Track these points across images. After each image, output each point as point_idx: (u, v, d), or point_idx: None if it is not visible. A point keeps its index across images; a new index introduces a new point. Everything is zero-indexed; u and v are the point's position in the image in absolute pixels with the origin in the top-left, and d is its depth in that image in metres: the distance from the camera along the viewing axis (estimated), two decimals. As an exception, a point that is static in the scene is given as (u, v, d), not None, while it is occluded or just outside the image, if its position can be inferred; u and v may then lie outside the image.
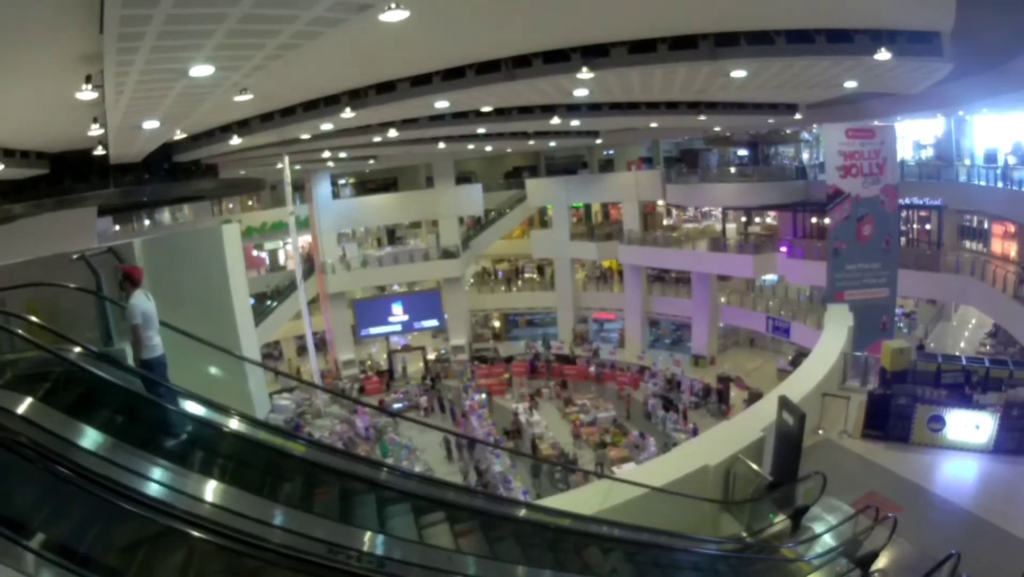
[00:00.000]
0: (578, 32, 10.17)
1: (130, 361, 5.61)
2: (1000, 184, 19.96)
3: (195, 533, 3.64)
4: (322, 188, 33.36)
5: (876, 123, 18.58)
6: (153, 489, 3.91)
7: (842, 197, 17.35)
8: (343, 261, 33.61)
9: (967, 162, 23.35)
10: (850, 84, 14.09)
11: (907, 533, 6.59)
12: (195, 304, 10.48)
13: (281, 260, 36.37)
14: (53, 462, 3.44)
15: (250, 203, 36.13)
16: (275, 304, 30.78)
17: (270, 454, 5.48)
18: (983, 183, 21.18)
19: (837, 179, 17.36)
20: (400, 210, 36.50)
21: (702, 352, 30.81)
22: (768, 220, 31.77)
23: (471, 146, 26.67)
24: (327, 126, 15.87)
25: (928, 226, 25.31)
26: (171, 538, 3.64)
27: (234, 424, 5.50)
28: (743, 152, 34.87)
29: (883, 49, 10.00)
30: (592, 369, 31.25)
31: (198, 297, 11.12)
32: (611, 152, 39.89)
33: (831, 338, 13.71)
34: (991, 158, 22.09)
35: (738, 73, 12.06)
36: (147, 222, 29.90)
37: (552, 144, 28.78)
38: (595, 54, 10.62)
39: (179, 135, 15.05)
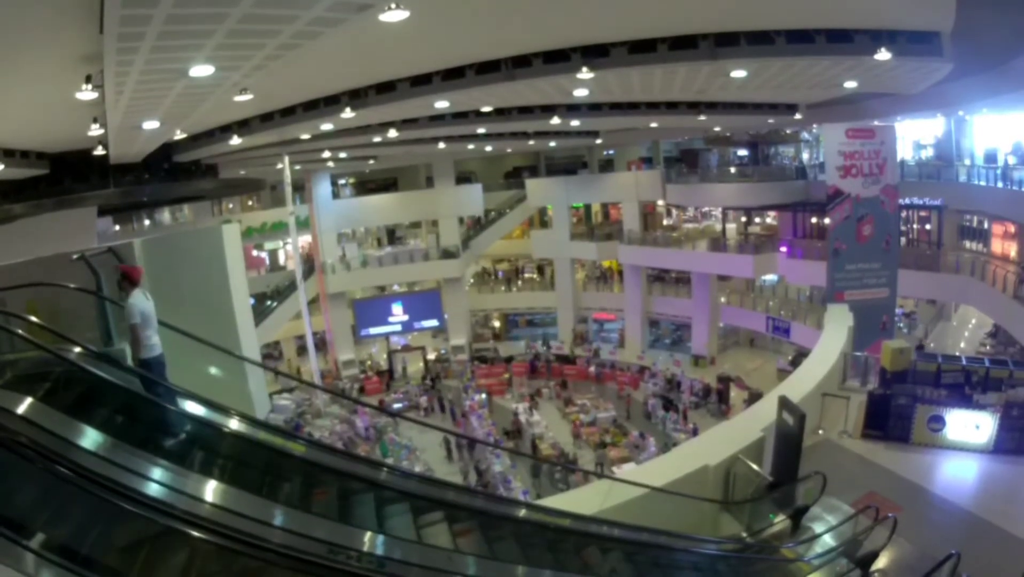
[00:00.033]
0: (578, 32, 10.17)
1: (129, 361, 5.61)
2: (1000, 184, 19.96)
3: (195, 533, 3.63)
4: (322, 188, 33.36)
5: (876, 123, 18.58)
6: (152, 489, 3.91)
7: (842, 197, 17.35)
8: (343, 261, 33.61)
9: (967, 162, 23.35)
10: (850, 84, 14.09)
11: (907, 533, 6.59)
12: (195, 304, 10.47)
13: (281, 260, 36.37)
14: (53, 462, 3.44)
15: (250, 203, 36.13)
16: (275, 304, 30.78)
17: (270, 454, 5.48)
18: (983, 183, 21.18)
19: (837, 179, 17.37)
20: (400, 210, 36.50)
21: (702, 352, 30.81)
22: (768, 220, 31.77)
23: (471, 146, 26.67)
24: (327, 126, 15.87)
25: (928, 226, 25.31)
26: (171, 538, 3.64)
27: (233, 424, 5.49)
28: (743, 152, 34.88)
29: (883, 49, 10.00)
30: (592, 369, 31.25)
31: (198, 297, 11.12)
32: (611, 152, 39.89)
33: (831, 338, 13.71)
34: (991, 158, 22.09)
35: (738, 73, 12.06)
36: (147, 222, 29.89)
37: (552, 144, 28.78)
38: (595, 54, 10.62)
39: (179, 135, 15.05)
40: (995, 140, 22.42)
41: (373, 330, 33.68)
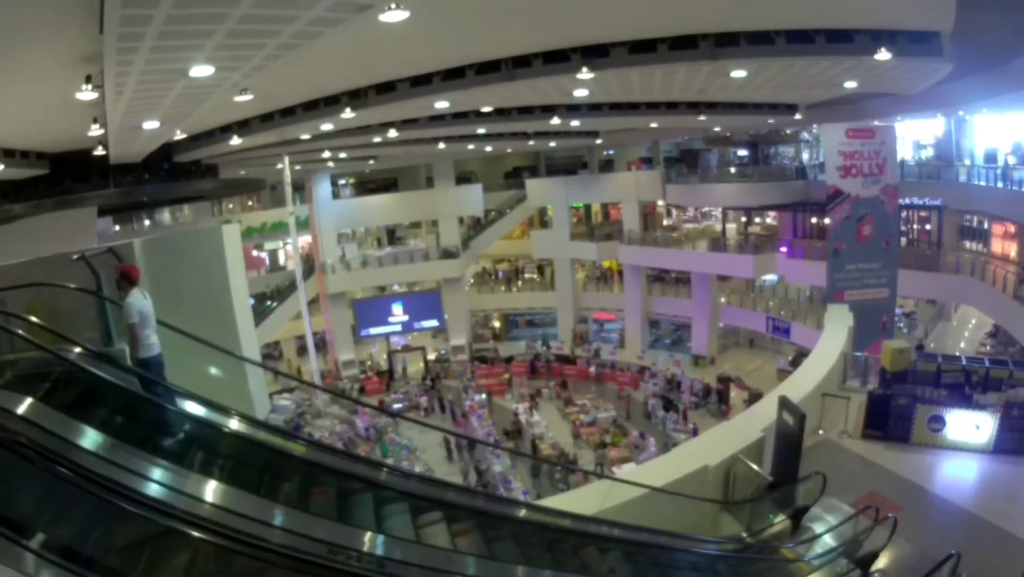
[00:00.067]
0: (578, 32, 10.17)
1: (128, 361, 5.61)
2: (1000, 184, 19.96)
3: (194, 533, 3.63)
4: (322, 188, 33.36)
5: (876, 123, 18.59)
6: (151, 489, 3.91)
7: (842, 197, 17.35)
8: (343, 261, 33.60)
9: (967, 162, 23.36)
10: (850, 84, 14.09)
11: (907, 533, 6.60)
12: (195, 304, 10.45)
13: (281, 260, 36.37)
14: (53, 462, 3.44)
15: (250, 203, 36.14)
16: (275, 304, 30.77)
17: (269, 454, 5.48)
18: (983, 183, 21.18)
19: (837, 179, 17.37)
20: (400, 210, 36.50)
21: (702, 352, 30.81)
22: (768, 220, 31.77)
23: (471, 146, 26.66)
24: (327, 126, 15.87)
25: (928, 226, 25.32)
26: (171, 539, 3.64)
27: (231, 423, 5.49)
28: (743, 152, 34.88)
29: (883, 49, 9.99)
30: (592, 369, 31.26)
31: (198, 297, 11.10)
32: (611, 152, 39.89)
33: (831, 338, 13.71)
34: (991, 158, 22.09)
35: (738, 73, 12.06)
36: (147, 222, 29.90)
37: (552, 144, 28.78)
38: (595, 54, 10.62)
39: (179, 135, 15.05)
40: (995, 140, 22.42)
41: (373, 330, 33.68)
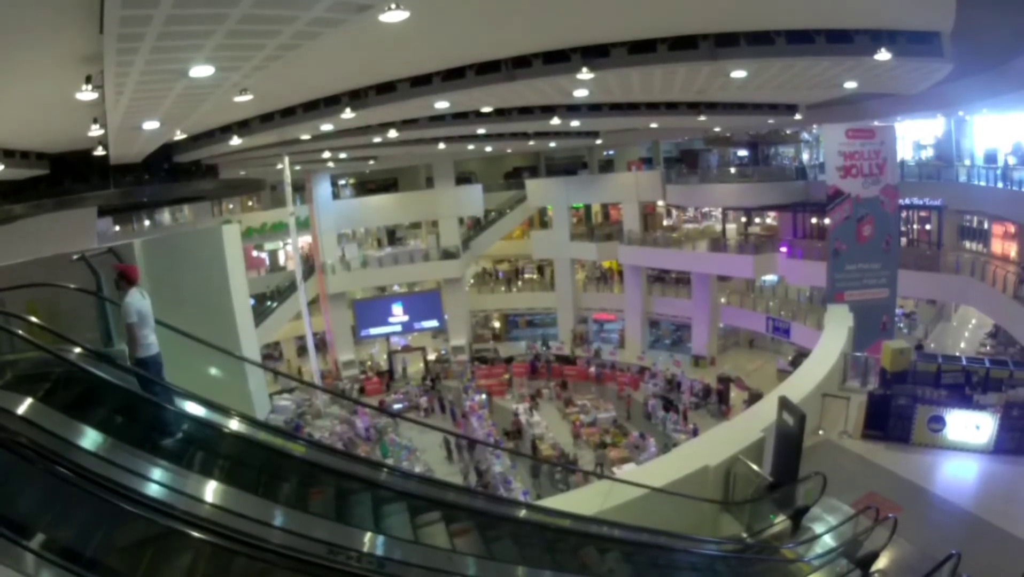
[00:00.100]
0: (578, 32, 10.17)
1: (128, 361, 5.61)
2: (1000, 184, 19.96)
3: (194, 534, 3.63)
4: (322, 188, 33.37)
5: (876, 123, 18.59)
6: (151, 489, 3.91)
7: (842, 197, 17.36)
8: (343, 262, 33.60)
9: (967, 162, 23.36)
10: (850, 84, 14.09)
11: (907, 533, 6.59)
12: (195, 305, 10.45)
13: (281, 261, 36.36)
14: (52, 463, 3.44)
15: (250, 203, 36.13)
16: (275, 305, 30.78)
17: (268, 454, 5.47)
18: (983, 183, 21.18)
19: (837, 179, 17.37)
20: (400, 210, 36.50)
21: (702, 353, 30.81)
22: (768, 220, 31.76)
23: (471, 146, 26.67)
24: (327, 127, 15.87)
25: (928, 226, 25.32)
26: (170, 540, 3.64)
27: (229, 422, 5.48)
28: (743, 152, 34.88)
29: (883, 49, 9.99)
30: (592, 370, 31.26)
31: (198, 298, 11.09)
32: (611, 152, 39.89)
33: (831, 338, 13.71)
34: (991, 158, 22.10)
35: (738, 73, 12.06)
36: (147, 223, 29.94)
37: (552, 144, 28.77)
38: (595, 54, 10.62)
39: (179, 136, 15.05)
40: (995, 140, 22.43)
41: (373, 330, 33.68)
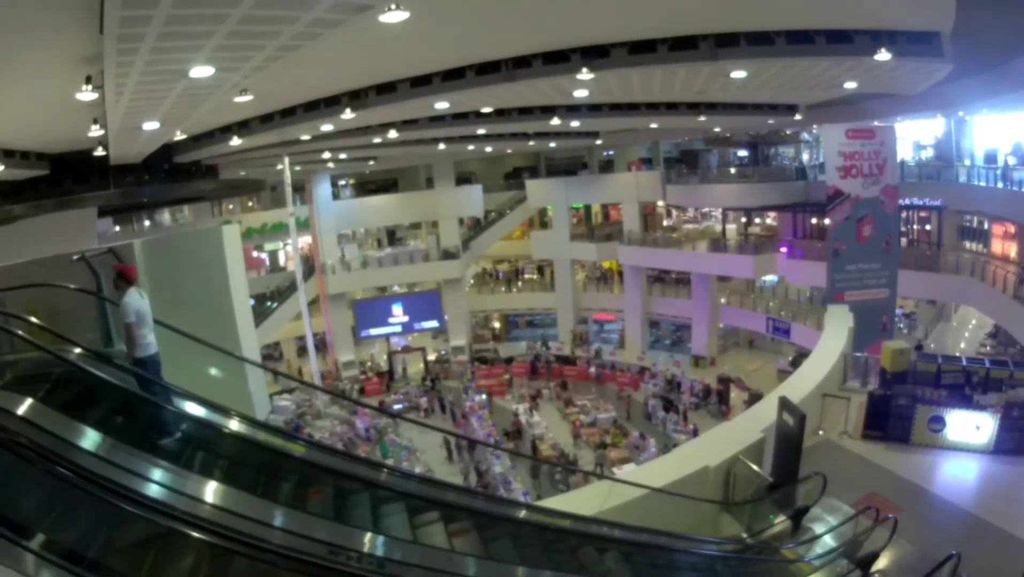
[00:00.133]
0: (578, 33, 10.17)
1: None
2: (1000, 184, 19.97)
3: (194, 534, 3.63)
4: (322, 189, 33.36)
5: (876, 124, 18.59)
6: (150, 489, 3.91)
7: (842, 198, 17.36)
8: (343, 262, 33.61)
9: (967, 163, 23.36)
10: (850, 85, 14.09)
11: (907, 534, 6.59)
12: (195, 305, 10.43)
13: (281, 261, 36.37)
14: (52, 463, 3.44)
15: (250, 204, 36.15)
16: (275, 305, 30.77)
17: (266, 453, 5.47)
18: (983, 183, 21.19)
19: (837, 180, 17.37)
20: (400, 211, 36.51)
21: (702, 353, 30.80)
22: (768, 221, 31.76)
23: (471, 147, 26.68)
24: (327, 127, 15.87)
25: (928, 227, 25.33)
26: (170, 540, 3.64)
27: (226, 421, 5.48)
28: (743, 153, 34.89)
29: (883, 50, 10.00)
30: (592, 370, 31.26)
31: (198, 298, 11.08)
32: (611, 153, 39.89)
33: (831, 339, 13.70)
34: (991, 158, 22.10)
35: (738, 74, 12.06)
36: (147, 223, 29.98)
37: (552, 145, 28.79)
38: (595, 55, 10.62)
39: (179, 136, 15.05)
40: (995, 140, 22.43)
41: (373, 331, 33.68)
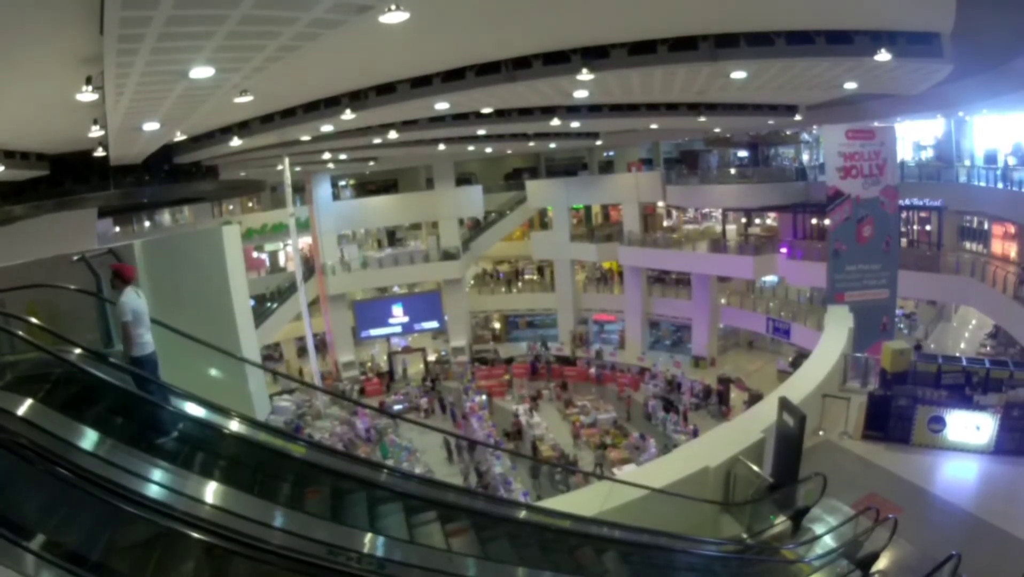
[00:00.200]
0: (578, 33, 10.17)
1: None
2: (1000, 185, 19.98)
3: (194, 535, 3.63)
4: (322, 190, 33.37)
5: (876, 124, 18.59)
6: (147, 489, 3.90)
7: (842, 198, 17.35)
8: (343, 263, 33.61)
9: (967, 163, 23.37)
10: (850, 85, 14.09)
11: (908, 534, 6.59)
12: (195, 306, 10.45)
13: (281, 262, 36.37)
14: (52, 463, 3.44)
15: (250, 204, 36.16)
16: (275, 306, 30.78)
17: (264, 452, 5.47)
18: (983, 184, 21.19)
19: (837, 180, 17.36)
20: (400, 212, 36.52)
21: (702, 353, 30.81)
22: (768, 221, 31.76)
23: (471, 147, 26.68)
24: (327, 128, 15.87)
25: (928, 227, 25.32)
26: (169, 541, 3.64)
27: (223, 420, 5.48)
28: (743, 153, 34.91)
29: (883, 50, 10.00)
30: (592, 371, 31.26)
31: (198, 299, 11.09)
32: (611, 153, 39.90)
33: (831, 339, 13.70)
34: (991, 159, 22.11)
35: (738, 74, 12.06)
36: (147, 224, 30.02)
37: (552, 145, 28.79)
38: (595, 55, 10.62)
39: (179, 137, 15.05)
40: (995, 141, 22.43)
41: (373, 331, 33.69)
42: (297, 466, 5.52)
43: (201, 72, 7.75)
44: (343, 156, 25.79)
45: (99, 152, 14.11)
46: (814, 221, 26.44)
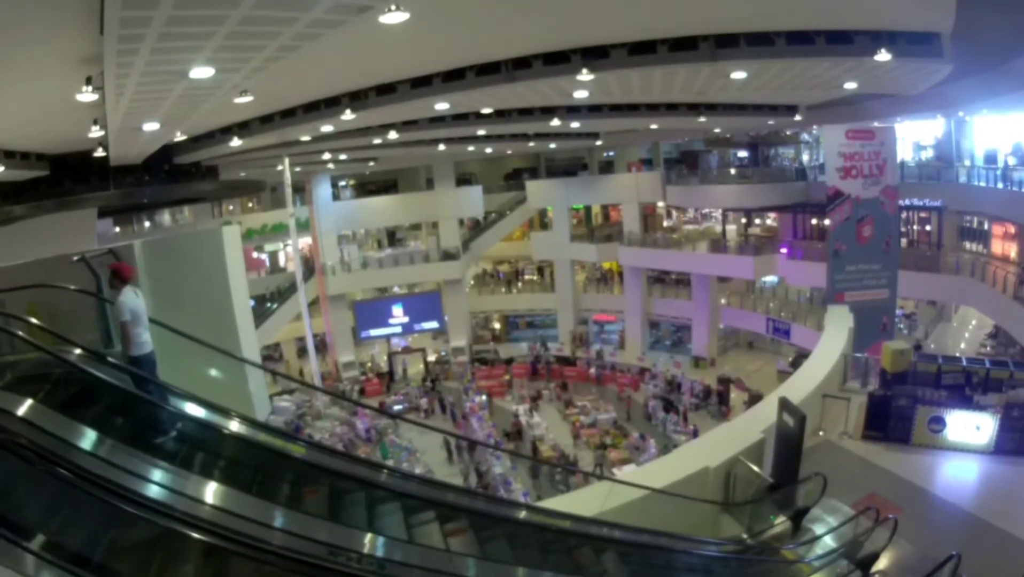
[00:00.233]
0: (578, 33, 10.17)
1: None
2: (1000, 185, 19.98)
3: (194, 535, 3.63)
4: (322, 190, 33.37)
5: (876, 124, 18.59)
6: (146, 489, 3.90)
7: (842, 198, 17.34)
8: (343, 263, 33.61)
9: (967, 163, 23.37)
10: (850, 85, 14.10)
11: (908, 534, 6.58)
12: (195, 306, 10.46)
13: (281, 262, 36.38)
14: (52, 463, 3.44)
15: (250, 205, 36.15)
16: (275, 306, 30.78)
17: (262, 451, 5.47)
18: (983, 184, 21.19)
19: (837, 180, 17.36)
20: (400, 212, 36.52)
21: (702, 354, 30.80)
22: (768, 221, 31.76)
23: (471, 148, 26.68)
24: (327, 128, 15.88)
25: (928, 227, 25.32)
26: (170, 541, 3.63)
27: (221, 419, 5.47)
28: (743, 153, 34.90)
29: (883, 50, 10.00)
30: (592, 371, 31.26)
31: (198, 299, 11.10)
32: (611, 154, 39.90)
33: (831, 339, 13.70)
34: (991, 159, 22.11)
35: (738, 74, 12.06)
36: (147, 224, 30.00)
37: (552, 146, 28.79)
38: (595, 56, 10.62)
39: (179, 137, 15.06)
40: (995, 141, 22.43)
41: (373, 332, 33.68)
42: (297, 466, 5.52)
43: (201, 72, 7.76)
44: (343, 156, 25.80)
45: (99, 152, 14.12)
46: (814, 221, 26.43)
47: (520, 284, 38.68)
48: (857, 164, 17.19)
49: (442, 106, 13.85)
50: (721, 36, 10.30)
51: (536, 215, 37.85)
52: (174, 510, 3.74)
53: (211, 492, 4.20)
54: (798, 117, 19.53)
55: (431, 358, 34.16)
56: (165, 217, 31.40)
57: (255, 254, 34.39)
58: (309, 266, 32.70)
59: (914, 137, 26.27)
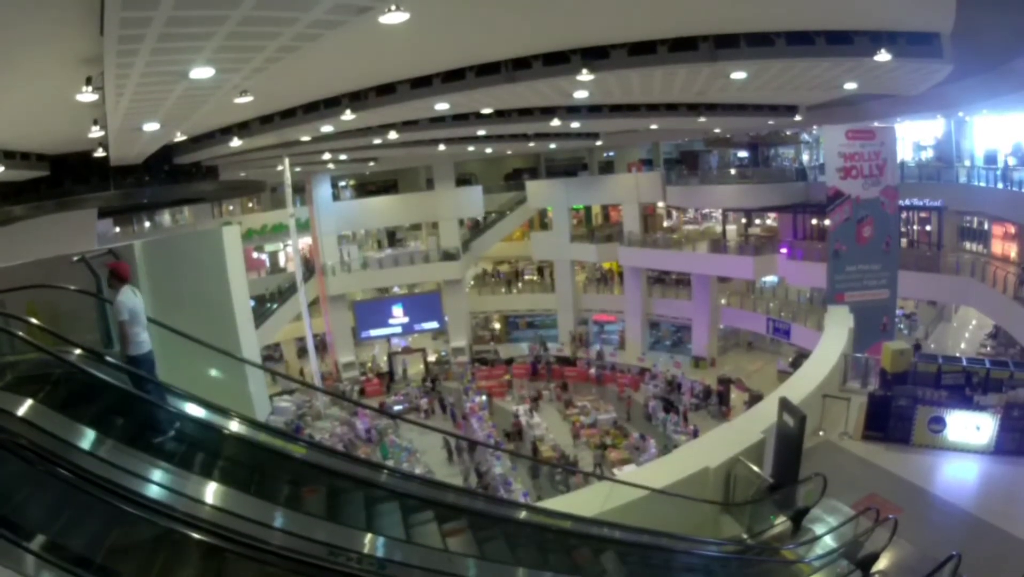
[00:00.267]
0: (578, 34, 10.17)
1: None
2: (1000, 185, 19.98)
3: (194, 535, 3.63)
4: (322, 190, 33.38)
5: (876, 124, 18.59)
6: (148, 490, 3.90)
7: (842, 199, 17.34)
8: (343, 263, 33.62)
9: (967, 163, 23.38)
10: (850, 85, 14.10)
11: (908, 534, 6.58)
12: (195, 306, 10.44)
13: (281, 262, 36.39)
14: (51, 464, 3.44)
15: (250, 205, 36.16)
16: (275, 306, 30.79)
17: (264, 453, 5.47)
18: (983, 184, 21.19)
19: (837, 180, 17.36)
20: (400, 212, 36.54)
21: (702, 354, 30.80)
22: (768, 222, 31.76)
23: (471, 148, 26.68)
24: (327, 128, 15.88)
25: (928, 227, 25.33)
26: (170, 541, 3.64)
27: (220, 419, 5.47)
28: (743, 154, 34.91)
29: (883, 50, 10.00)
30: (592, 371, 31.26)
31: (198, 299, 11.08)
32: (611, 154, 39.91)
33: (831, 339, 13.70)
34: (991, 159, 22.11)
35: (738, 75, 12.06)
36: (147, 224, 30.03)
37: (552, 146, 28.80)
38: (595, 56, 10.62)
39: (179, 137, 15.06)
40: (995, 141, 22.44)
41: (373, 332, 33.69)
42: (297, 466, 5.52)
43: (201, 73, 7.77)
44: (343, 156, 25.80)
45: (99, 152, 14.13)
46: (814, 221, 26.43)
47: (520, 284, 38.68)
48: (857, 164, 17.20)
49: (442, 106, 13.86)
50: (721, 36, 10.30)
51: (536, 215, 37.85)
52: (174, 510, 3.74)
53: (211, 492, 4.20)
54: (798, 117, 19.53)
55: (431, 358, 34.16)
56: (165, 217, 31.44)
57: (255, 254, 34.40)
58: (309, 266, 32.71)
59: (914, 137, 26.28)
